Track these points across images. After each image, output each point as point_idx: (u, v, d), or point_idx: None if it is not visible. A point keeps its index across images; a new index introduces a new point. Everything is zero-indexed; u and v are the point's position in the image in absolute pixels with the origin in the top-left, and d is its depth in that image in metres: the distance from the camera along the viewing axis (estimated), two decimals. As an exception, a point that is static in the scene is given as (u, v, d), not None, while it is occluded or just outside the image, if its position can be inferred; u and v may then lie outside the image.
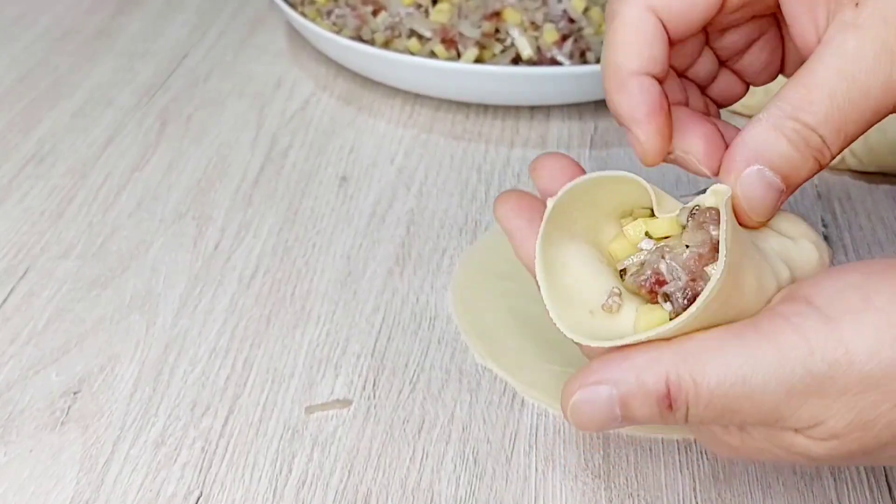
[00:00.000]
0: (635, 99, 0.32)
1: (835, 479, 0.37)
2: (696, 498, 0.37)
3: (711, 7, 0.33)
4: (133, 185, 0.54)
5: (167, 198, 0.53)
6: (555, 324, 0.31)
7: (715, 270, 0.29)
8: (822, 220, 0.51)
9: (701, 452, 0.39)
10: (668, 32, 0.33)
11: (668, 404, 0.29)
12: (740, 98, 0.38)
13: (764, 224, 0.32)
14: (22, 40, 0.69)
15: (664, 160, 0.34)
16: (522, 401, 0.41)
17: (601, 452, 0.38)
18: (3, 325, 0.44)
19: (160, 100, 0.62)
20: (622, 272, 0.32)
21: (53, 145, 0.57)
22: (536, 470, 0.38)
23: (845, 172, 0.55)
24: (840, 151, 0.31)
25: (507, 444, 0.39)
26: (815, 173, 0.32)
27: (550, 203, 0.32)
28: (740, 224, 0.31)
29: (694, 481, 0.37)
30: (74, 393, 0.41)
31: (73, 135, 0.58)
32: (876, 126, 0.52)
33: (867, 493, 0.37)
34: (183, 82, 0.64)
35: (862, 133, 0.31)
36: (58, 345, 0.43)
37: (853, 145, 0.53)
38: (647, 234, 0.32)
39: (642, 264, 0.31)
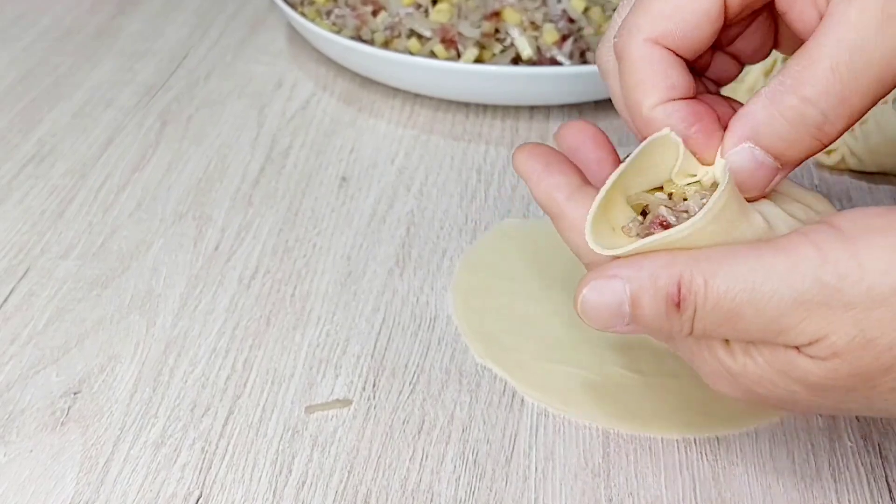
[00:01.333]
0: (663, 123, 0.32)
1: (835, 480, 0.37)
2: (695, 498, 0.37)
3: (715, 23, 0.32)
4: (133, 186, 0.54)
5: (167, 198, 0.53)
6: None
7: (720, 185, 0.29)
8: (822, 221, 0.51)
9: (701, 453, 0.39)
10: (681, 56, 0.32)
11: (677, 303, 0.29)
12: (735, 77, 0.38)
13: (758, 198, 0.32)
14: (22, 40, 0.69)
15: None
16: (522, 401, 0.41)
17: (601, 452, 0.39)
18: (3, 325, 0.44)
19: (160, 100, 0.62)
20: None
21: (53, 145, 0.57)
22: (536, 470, 0.38)
23: (845, 172, 0.55)
24: (846, 126, 0.30)
25: (506, 444, 0.39)
26: (817, 151, 0.31)
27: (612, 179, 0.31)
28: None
29: (694, 481, 0.37)
30: (74, 393, 0.41)
31: (73, 135, 0.58)
32: (876, 126, 0.52)
33: (867, 494, 0.37)
34: (183, 82, 0.64)
35: (868, 107, 0.30)
36: (58, 345, 0.43)
37: (853, 145, 0.53)
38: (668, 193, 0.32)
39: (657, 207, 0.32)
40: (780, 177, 0.31)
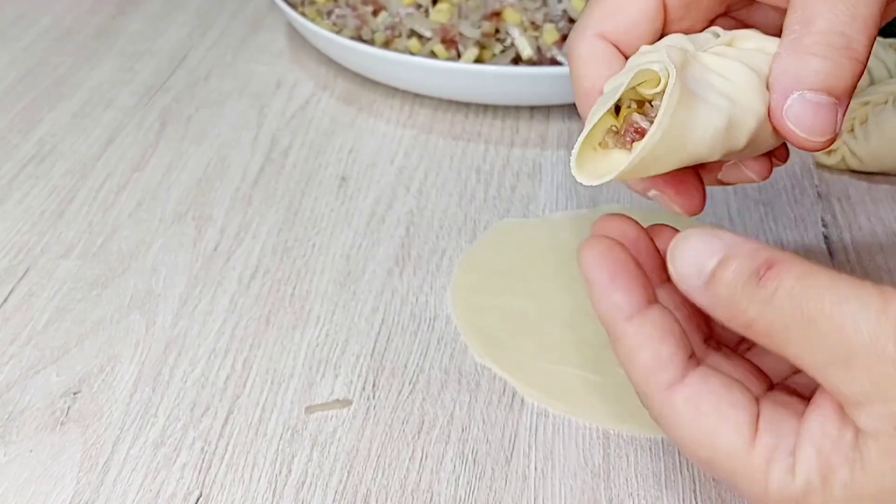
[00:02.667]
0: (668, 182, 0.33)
1: (834, 480, 0.37)
2: (695, 498, 0.37)
3: (653, 21, 0.34)
4: (133, 186, 0.54)
5: (167, 198, 0.53)
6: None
7: (670, 80, 0.30)
8: (822, 221, 0.51)
9: (700, 453, 0.39)
10: (621, 52, 0.35)
11: (763, 274, 0.28)
12: None
13: (833, 141, 0.31)
14: (22, 40, 0.69)
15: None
16: (522, 400, 0.41)
17: (601, 452, 0.39)
18: (3, 325, 0.44)
19: (160, 100, 0.62)
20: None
21: (53, 145, 0.57)
22: (536, 470, 0.38)
23: (845, 172, 0.55)
24: (870, 39, 0.31)
25: (506, 444, 0.39)
26: (860, 72, 0.31)
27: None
28: (806, 150, 0.31)
29: (694, 482, 0.37)
30: (74, 393, 0.41)
31: (73, 135, 0.58)
32: (876, 126, 0.53)
33: (867, 494, 0.37)
34: (183, 82, 0.64)
35: (879, 12, 0.30)
36: (58, 345, 0.43)
37: (853, 145, 0.53)
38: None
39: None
40: (842, 111, 0.31)
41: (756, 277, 0.28)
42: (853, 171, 0.55)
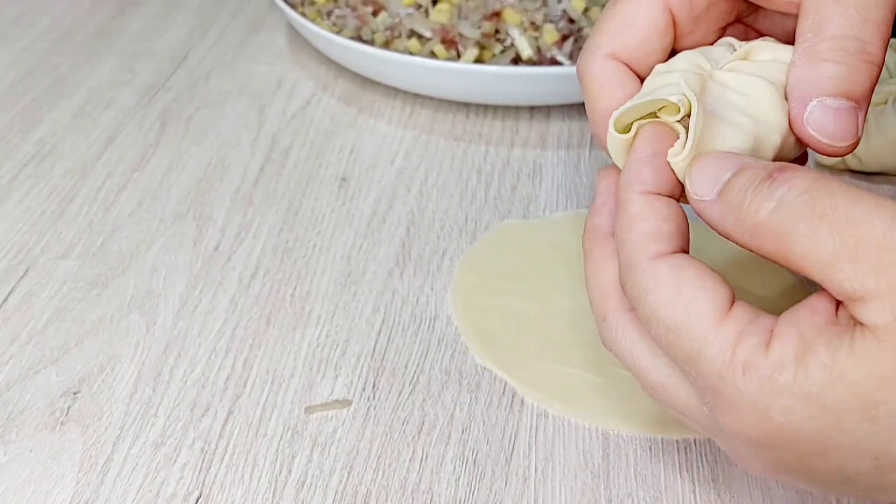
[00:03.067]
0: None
1: (834, 481, 0.37)
2: (695, 499, 0.37)
3: (663, 36, 0.34)
4: (133, 185, 0.54)
5: (167, 198, 0.53)
6: None
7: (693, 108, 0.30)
8: (822, 221, 0.51)
9: (701, 454, 0.39)
10: (633, 70, 0.34)
11: (775, 176, 0.28)
12: None
13: (854, 147, 0.31)
14: (22, 40, 0.69)
15: None
16: (522, 401, 0.41)
17: (601, 453, 0.39)
18: (3, 325, 0.44)
19: (160, 100, 0.62)
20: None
21: (53, 145, 0.57)
22: (536, 470, 0.38)
23: (845, 172, 0.55)
24: (884, 41, 0.31)
25: (506, 445, 0.39)
26: (876, 75, 0.31)
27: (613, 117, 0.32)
28: (830, 155, 0.31)
29: (693, 483, 0.37)
30: (74, 393, 0.41)
31: (74, 135, 0.58)
32: (876, 126, 0.53)
33: (867, 495, 0.37)
34: (183, 82, 0.64)
35: (892, 15, 0.31)
36: (58, 345, 0.43)
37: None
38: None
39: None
40: (862, 114, 0.31)
41: (769, 179, 0.28)
42: (853, 172, 0.55)
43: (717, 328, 0.28)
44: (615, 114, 0.32)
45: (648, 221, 0.30)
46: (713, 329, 0.28)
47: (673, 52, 0.35)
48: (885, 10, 0.31)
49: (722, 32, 0.36)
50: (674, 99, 0.31)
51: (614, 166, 0.34)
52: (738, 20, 0.36)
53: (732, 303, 0.29)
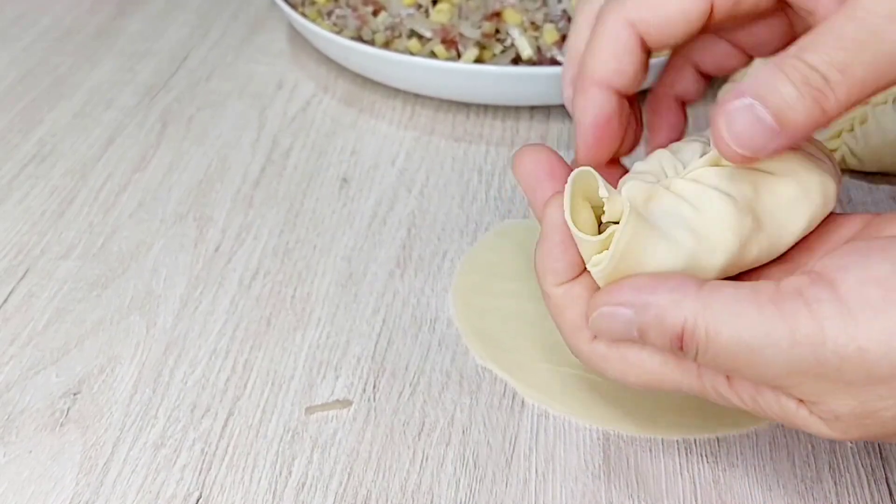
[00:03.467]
0: (588, 104, 0.35)
1: (835, 482, 0.37)
2: (696, 500, 0.37)
3: (692, 24, 0.34)
4: (134, 186, 0.54)
5: (168, 199, 0.53)
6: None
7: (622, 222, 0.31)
8: (823, 222, 0.51)
9: (701, 455, 0.39)
10: (646, 45, 0.34)
11: (680, 346, 0.30)
12: (739, 69, 0.39)
13: (749, 161, 0.31)
14: (22, 40, 0.69)
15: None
16: (522, 402, 0.41)
17: (601, 454, 0.38)
18: (3, 326, 0.44)
19: (161, 100, 0.62)
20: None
21: (54, 145, 0.57)
22: (536, 472, 0.38)
23: (845, 172, 0.55)
24: (848, 99, 0.30)
25: (507, 446, 0.39)
26: (818, 121, 0.30)
27: (571, 178, 0.32)
28: (720, 151, 0.31)
29: (694, 484, 0.37)
30: (74, 394, 0.41)
31: (74, 135, 0.58)
32: (876, 126, 0.52)
33: (867, 496, 0.37)
34: (184, 83, 0.64)
35: (875, 84, 0.30)
36: (58, 345, 0.43)
37: (853, 145, 0.53)
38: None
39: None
40: (777, 144, 0.30)
41: (677, 346, 0.30)
42: (853, 171, 0.55)
43: (682, 378, 0.32)
44: (569, 182, 0.32)
45: (573, 310, 0.33)
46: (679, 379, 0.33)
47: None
48: (873, 79, 0.30)
49: (761, 17, 0.36)
50: (617, 205, 0.31)
51: (555, 196, 0.35)
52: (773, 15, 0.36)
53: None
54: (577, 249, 0.33)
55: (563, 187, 0.32)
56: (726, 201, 0.32)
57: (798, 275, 0.30)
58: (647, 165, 0.35)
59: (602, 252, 0.32)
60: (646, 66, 0.35)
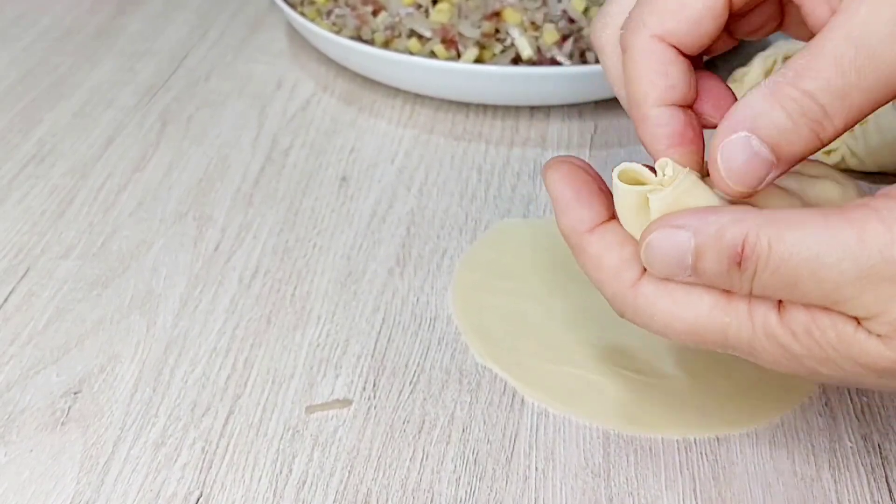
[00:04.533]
0: (655, 132, 0.33)
1: (835, 481, 0.37)
2: (695, 498, 0.37)
3: (718, 19, 0.33)
4: (133, 186, 0.54)
5: (168, 198, 0.53)
6: None
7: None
8: (823, 221, 0.51)
9: (701, 453, 0.39)
10: (683, 54, 0.33)
11: (739, 262, 0.29)
12: (724, 50, 0.38)
13: (745, 196, 0.31)
14: (22, 40, 0.69)
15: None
16: (522, 400, 0.41)
17: (601, 452, 0.39)
18: (3, 325, 0.44)
19: (161, 100, 0.62)
20: None
21: (54, 145, 0.57)
22: (536, 470, 0.38)
23: (845, 173, 0.55)
24: (846, 125, 0.30)
25: (507, 444, 0.39)
26: (814, 149, 0.30)
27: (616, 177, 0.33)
28: (718, 187, 0.31)
29: (694, 481, 0.37)
30: (75, 393, 0.41)
31: (74, 135, 0.58)
32: (876, 126, 0.52)
33: (867, 495, 0.37)
34: (183, 82, 0.64)
35: (872, 107, 0.30)
36: (58, 345, 0.43)
37: (853, 145, 0.53)
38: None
39: None
40: (774, 175, 0.31)
41: (734, 262, 0.29)
42: (853, 172, 0.55)
43: (730, 308, 0.31)
44: (617, 168, 0.32)
45: (610, 254, 0.32)
46: (727, 312, 0.31)
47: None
48: (868, 101, 0.29)
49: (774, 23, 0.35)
50: (668, 171, 0.32)
51: (555, 160, 0.34)
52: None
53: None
54: (600, 201, 0.33)
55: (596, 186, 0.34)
56: (775, 186, 0.32)
57: (867, 197, 0.29)
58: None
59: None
60: (692, 73, 0.34)
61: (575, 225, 0.33)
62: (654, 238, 0.30)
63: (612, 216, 0.33)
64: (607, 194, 0.34)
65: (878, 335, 0.29)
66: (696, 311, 0.31)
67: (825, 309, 0.29)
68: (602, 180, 0.34)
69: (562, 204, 0.34)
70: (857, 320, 0.29)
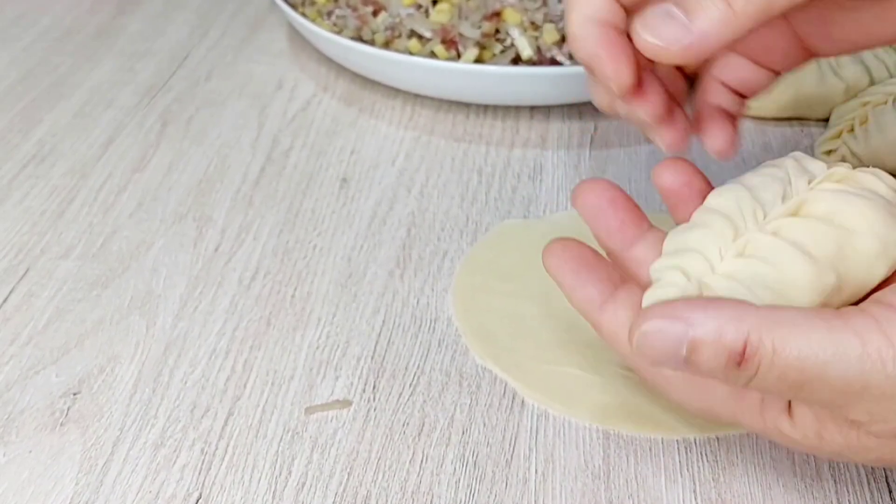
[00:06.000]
0: (594, 39, 0.33)
1: (835, 481, 0.37)
2: (695, 499, 0.37)
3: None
4: (133, 186, 0.54)
5: (168, 198, 0.53)
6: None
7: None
8: (823, 222, 0.51)
9: (701, 454, 0.39)
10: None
11: (739, 362, 0.28)
12: (766, 88, 0.38)
13: (663, 56, 0.31)
14: (22, 40, 0.69)
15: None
16: (522, 402, 0.41)
17: (601, 454, 0.38)
18: (3, 325, 0.44)
19: (161, 100, 0.62)
20: None
21: (53, 145, 0.57)
22: (536, 472, 0.38)
23: (846, 173, 0.55)
24: (757, 6, 0.30)
25: (507, 446, 0.39)
26: (731, 22, 0.30)
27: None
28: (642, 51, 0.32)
29: (694, 483, 0.37)
30: (74, 394, 0.41)
31: (74, 135, 0.58)
32: (876, 126, 0.52)
33: (867, 495, 0.37)
34: (184, 83, 0.64)
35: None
36: (58, 345, 0.43)
37: (853, 145, 0.53)
38: None
39: None
40: (693, 47, 0.31)
41: (734, 364, 0.29)
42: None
43: (741, 406, 0.32)
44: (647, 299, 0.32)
45: (624, 332, 0.33)
46: (737, 408, 0.33)
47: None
48: None
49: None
50: (671, 292, 0.32)
51: (550, 245, 0.36)
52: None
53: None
54: (599, 275, 0.33)
55: (625, 216, 0.35)
56: (805, 262, 0.31)
57: (864, 304, 0.30)
58: (723, 201, 0.34)
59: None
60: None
61: (584, 306, 0.34)
62: (648, 325, 0.29)
63: (619, 283, 0.34)
64: (605, 263, 0.35)
65: (883, 437, 0.30)
66: (710, 398, 0.32)
67: (832, 416, 0.30)
68: (598, 256, 0.36)
69: (567, 289, 0.35)
70: (860, 423, 0.30)
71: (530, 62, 0.59)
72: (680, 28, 0.30)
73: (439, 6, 0.61)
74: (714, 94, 0.38)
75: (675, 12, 0.30)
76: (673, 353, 0.29)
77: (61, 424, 0.39)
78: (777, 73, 0.38)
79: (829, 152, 0.55)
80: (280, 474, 0.37)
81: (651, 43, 0.31)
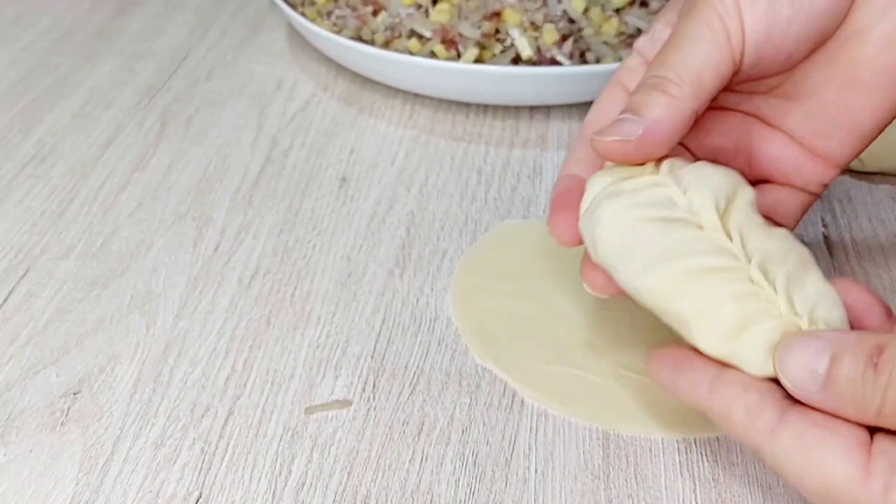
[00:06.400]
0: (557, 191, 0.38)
1: (834, 481, 0.37)
2: (695, 499, 0.37)
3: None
4: (133, 186, 0.54)
5: (167, 198, 0.53)
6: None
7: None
8: (822, 221, 0.51)
9: (701, 454, 0.39)
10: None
11: (876, 363, 0.28)
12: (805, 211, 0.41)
13: (625, 157, 0.35)
14: (22, 40, 0.69)
15: None
16: (522, 402, 0.41)
17: (601, 453, 0.38)
18: (3, 325, 0.44)
19: (161, 100, 0.62)
20: None
21: (53, 145, 0.57)
22: (536, 471, 0.38)
23: (845, 172, 0.55)
24: (691, 86, 0.34)
25: (506, 445, 0.39)
26: (672, 108, 0.34)
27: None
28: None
29: (694, 482, 0.37)
30: (74, 393, 0.41)
31: (74, 135, 0.58)
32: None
33: (867, 495, 0.37)
34: (183, 82, 0.64)
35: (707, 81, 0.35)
36: (58, 345, 0.43)
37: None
38: None
39: None
40: (650, 133, 0.34)
41: (871, 366, 0.29)
42: (853, 172, 0.55)
43: (863, 490, 0.29)
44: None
45: (735, 407, 0.31)
46: (860, 492, 0.29)
47: None
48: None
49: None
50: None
51: (653, 357, 0.34)
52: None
53: (866, 444, 0.29)
54: (697, 364, 0.33)
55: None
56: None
57: None
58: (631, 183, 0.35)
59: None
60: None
61: (689, 393, 0.33)
62: (791, 342, 0.30)
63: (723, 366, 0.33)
64: (703, 356, 0.33)
65: None
66: (829, 469, 0.30)
67: None
68: (692, 351, 0.34)
69: (669, 384, 0.34)
70: None
71: (530, 62, 0.59)
72: (634, 123, 0.34)
73: (439, 6, 0.61)
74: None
75: (627, 115, 0.35)
76: (814, 371, 0.30)
77: (61, 424, 0.39)
78: (815, 196, 0.41)
79: (828, 152, 0.55)
80: (280, 474, 0.37)
81: (610, 140, 0.34)
